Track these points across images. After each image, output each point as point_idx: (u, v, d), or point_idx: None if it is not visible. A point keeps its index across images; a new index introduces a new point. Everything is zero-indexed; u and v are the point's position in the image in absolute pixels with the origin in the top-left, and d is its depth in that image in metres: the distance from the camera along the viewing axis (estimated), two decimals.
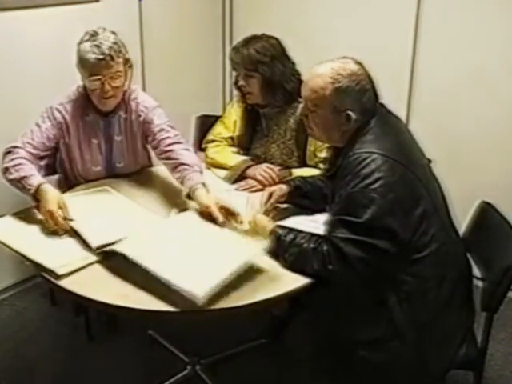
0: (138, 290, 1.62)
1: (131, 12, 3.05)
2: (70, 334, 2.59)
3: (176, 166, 2.06)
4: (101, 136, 2.25)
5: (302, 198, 2.05)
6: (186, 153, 2.11)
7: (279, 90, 2.30)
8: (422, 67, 2.88)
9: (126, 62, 2.13)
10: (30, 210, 2.00)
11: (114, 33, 2.12)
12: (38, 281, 1.74)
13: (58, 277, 1.64)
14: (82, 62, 2.07)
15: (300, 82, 2.35)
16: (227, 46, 3.56)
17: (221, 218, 1.82)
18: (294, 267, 1.67)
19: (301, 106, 1.80)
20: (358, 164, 1.61)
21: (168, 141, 2.15)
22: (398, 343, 1.68)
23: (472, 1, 2.68)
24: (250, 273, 1.69)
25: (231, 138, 2.50)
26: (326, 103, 1.69)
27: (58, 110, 2.18)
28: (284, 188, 2.05)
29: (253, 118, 2.45)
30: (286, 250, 1.68)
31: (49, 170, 2.51)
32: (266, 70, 2.27)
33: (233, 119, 2.49)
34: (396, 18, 2.91)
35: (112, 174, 2.31)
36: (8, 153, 2.09)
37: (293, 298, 1.77)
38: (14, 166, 2.03)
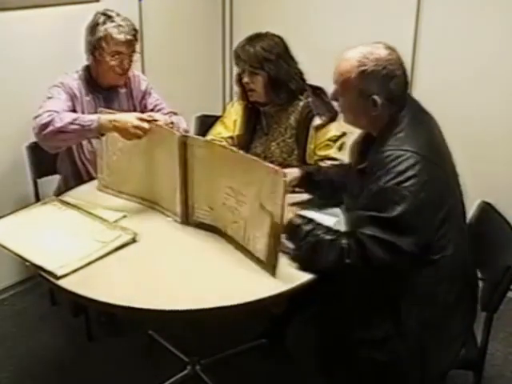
0: (137, 289, 1.62)
1: (131, 12, 3.03)
2: (69, 334, 2.59)
3: None
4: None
5: (312, 186, 2.04)
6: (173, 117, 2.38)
7: (283, 88, 2.30)
8: (422, 67, 2.88)
9: None
10: (29, 210, 2.01)
11: (119, 14, 2.30)
12: (38, 281, 1.73)
13: (58, 278, 1.64)
14: (107, 41, 2.22)
15: (303, 81, 2.37)
16: (227, 46, 3.56)
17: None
18: (306, 257, 1.66)
19: (332, 89, 1.77)
20: (392, 160, 1.59)
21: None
22: (402, 344, 1.67)
23: (472, 0, 2.68)
24: (248, 271, 1.70)
25: (231, 137, 2.49)
26: (352, 87, 1.67)
27: (69, 86, 2.27)
28: (296, 172, 2.05)
29: (253, 117, 2.44)
30: (302, 238, 1.67)
31: (48, 170, 2.53)
32: (271, 68, 2.26)
33: (233, 119, 2.49)
34: (396, 18, 2.92)
35: None
36: (37, 116, 2.08)
37: (293, 297, 1.77)
38: (58, 114, 2.04)
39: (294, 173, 2.04)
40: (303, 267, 1.69)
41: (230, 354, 2.39)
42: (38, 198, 2.51)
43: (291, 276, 1.67)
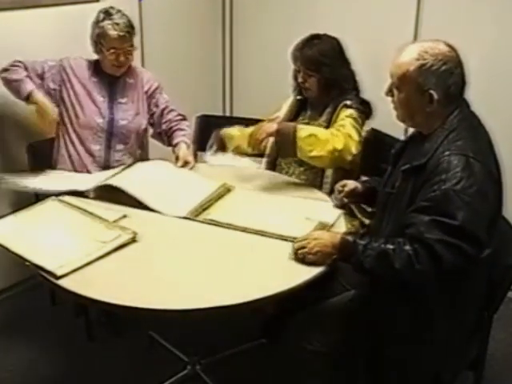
0: (137, 289, 1.62)
1: (131, 12, 3.02)
2: (70, 335, 2.59)
3: (173, 132, 2.61)
4: (105, 95, 2.51)
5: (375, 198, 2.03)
6: (183, 123, 2.64)
7: (336, 88, 2.37)
8: None
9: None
10: (29, 210, 2.01)
11: (120, 11, 2.46)
12: (38, 281, 1.73)
13: (58, 277, 1.64)
14: (103, 37, 2.40)
15: (355, 81, 2.42)
16: (227, 46, 3.57)
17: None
18: (372, 270, 1.63)
19: (387, 82, 1.75)
20: (456, 165, 1.57)
21: (171, 117, 2.62)
22: (427, 347, 1.68)
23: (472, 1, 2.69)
24: (247, 270, 1.71)
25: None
26: (410, 80, 1.65)
27: (64, 60, 2.51)
28: (358, 186, 2.07)
29: (299, 107, 2.52)
30: (361, 253, 1.64)
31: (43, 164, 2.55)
32: (326, 72, 2.32)
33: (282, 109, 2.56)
34: (396, 17, 2.92)
35: (112, 130, 2.50)
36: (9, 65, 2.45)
37: (290, 297, 1.77)
38: (12, 66, 2.42)
39: (356, 185, 2.07)
40: (371, 278, 1.69)
41: (230, 353, 2.39)
42: (37, 198, 2.50)
43: (290, 277, 1.68)
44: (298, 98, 2.51)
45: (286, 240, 1.84)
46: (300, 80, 2.38)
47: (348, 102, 2.32)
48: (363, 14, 3.03)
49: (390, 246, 1.60)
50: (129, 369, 2.37)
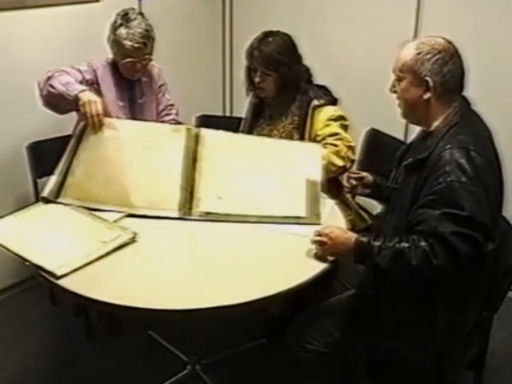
0: (137, 289, 1.62)
1: None
2: (70, 334, 2.59)
3: None
4: (126, 99, 2.47)
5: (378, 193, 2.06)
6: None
7: (293, 86, 2.34)
8: None
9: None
10: (29, 210, 2.01)
11: (142, 15, 2.39)
12: (38, 281, 1.73)
13: (58, 277, 1.64)
14: (118, 46, 2.33)
15: (310, 75, 2.41)
16: (227, 46, 3.57)
17: None
18: (389, 270, 1.63)
19: (391, 80, 1.78)
20: (459, 158, 1.59)
21: (166, 120, 2.58)
22: (428, 347, 1.69)
23: (472, 1, 2.69)
24: (247, 270, 1.71)
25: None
26: (408, 68, 1.70)
27: (95, 63, 2.41)
28: (369, 177, 2.06)
29: (256, 111, 2.50)
30: (376, 254, 1.63)
31: (48, 170, 2.53)
32: (285, 71, 2.29)
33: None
34: (396, 17, 2.92)
35: None
36: (49, 73, 2.26)
37: (293, 297, 1.77)
38: (60, 73, 2.23)
39: (367, 177, 2.06)
40: (388, 277, 1.67)
41: (230, 353, 2.39)
42: (37, 198, 2.51)
43: (290, 276, 1.68)
44: (253, 102, 2.50)
45: (288, 219, 1.90)
46: (257, 80, 2.33)
47: (316, 102, 2.30)
48: (363, 13, 3.03)
49: (405, 245, 1.59)
50: (129, 369, 2.37)
